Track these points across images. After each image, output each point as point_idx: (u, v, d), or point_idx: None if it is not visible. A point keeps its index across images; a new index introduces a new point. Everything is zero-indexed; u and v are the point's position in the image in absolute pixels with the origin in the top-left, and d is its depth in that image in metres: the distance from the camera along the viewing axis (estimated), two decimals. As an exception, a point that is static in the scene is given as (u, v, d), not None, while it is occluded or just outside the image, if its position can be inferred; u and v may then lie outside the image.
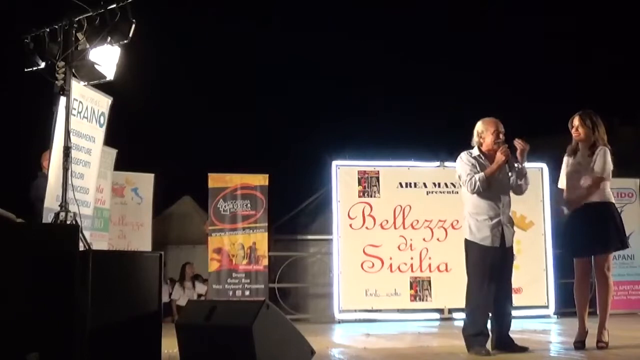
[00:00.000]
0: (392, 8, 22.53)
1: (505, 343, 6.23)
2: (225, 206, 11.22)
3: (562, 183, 6.83)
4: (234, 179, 11.38)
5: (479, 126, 6.44)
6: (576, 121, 6.64)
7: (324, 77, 21.42)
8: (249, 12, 22.47)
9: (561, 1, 21.94)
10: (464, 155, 6.43)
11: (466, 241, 6.33)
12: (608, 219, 6.49)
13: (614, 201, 6.61)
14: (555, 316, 11.13)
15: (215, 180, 11.35)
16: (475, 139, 6.45)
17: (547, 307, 11.23)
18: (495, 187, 6.31)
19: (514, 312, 6.43)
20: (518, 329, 7.15)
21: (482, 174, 6.25)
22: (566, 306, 9.99)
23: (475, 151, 6.43)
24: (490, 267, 6.18)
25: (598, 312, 6.51)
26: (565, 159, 6.79)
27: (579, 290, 6.58)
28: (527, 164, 6.43)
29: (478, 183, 6.21)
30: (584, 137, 6.60)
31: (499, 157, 6.27)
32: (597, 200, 6.47)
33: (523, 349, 6.25)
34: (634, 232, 12.04)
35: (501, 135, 6.37)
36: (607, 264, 6.46)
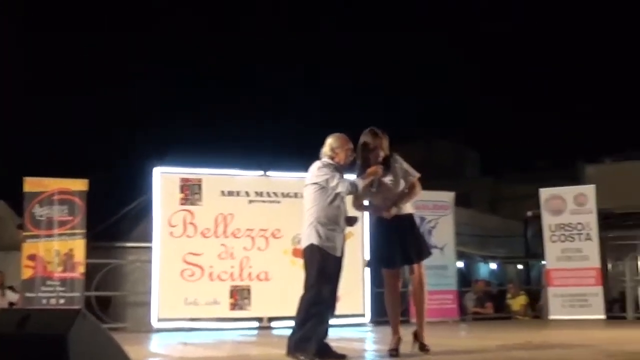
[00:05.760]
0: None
1: (324, 351, 6.35)
2: (41, 211, 10.82)
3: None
4: (52, 183, 10.99)
5: (333, 142, 6.56)
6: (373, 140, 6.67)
7: (151, 79, 21.12)
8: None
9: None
10: (325, 161, 6.51)
11: (313, 247, 6.31)
12: (416, 228, 6.86)
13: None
14: (371, 324, 11.50)
15: (31, 184, 10.90)
16: (328, 152, 6.55)
17: (363, 315, 11.59)
18: (343, 200, 6.51)
19: (331, 320, 6.62)
20: (335, 337, 7.34)
21: (359, 180, 6.48)
22: (381, 315, 10.34)
23: (331, 161, 6.53)
24: (337, 274, 6.46)
25: (416, 319, 6.77)
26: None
27: (391, 300, 6.76)
28: None
29: (350, 187, 6.38)
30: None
31: (374, 172, 6.50)
32: (406, 212, 6.74)
33: (341, 357, 6.40)
34: (448, 244, 12.69)
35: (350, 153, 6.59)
36: (422, 271, 6.76)
